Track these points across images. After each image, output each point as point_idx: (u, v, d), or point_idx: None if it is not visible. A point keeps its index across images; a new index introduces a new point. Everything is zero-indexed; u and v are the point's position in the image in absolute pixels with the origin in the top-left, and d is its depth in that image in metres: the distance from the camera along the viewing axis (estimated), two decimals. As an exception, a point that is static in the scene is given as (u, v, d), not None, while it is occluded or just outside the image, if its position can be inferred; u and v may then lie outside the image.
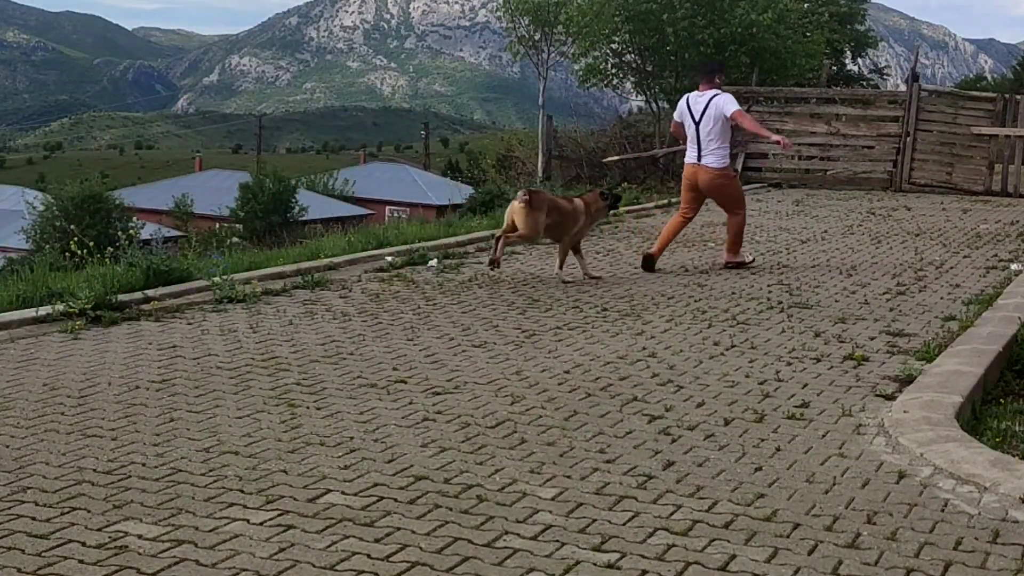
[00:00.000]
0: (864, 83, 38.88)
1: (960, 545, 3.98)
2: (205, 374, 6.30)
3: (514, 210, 9.68)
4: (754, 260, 10.67)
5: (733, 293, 9.07)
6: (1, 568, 3.72)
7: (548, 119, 22.62)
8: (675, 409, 5.65)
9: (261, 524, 4.11)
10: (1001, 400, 5.94)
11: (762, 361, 6.71)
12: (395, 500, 4.35)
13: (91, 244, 9.89)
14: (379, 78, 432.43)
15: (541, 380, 6.21)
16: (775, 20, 21.62)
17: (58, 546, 3.90)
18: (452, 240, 11.95)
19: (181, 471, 4.67)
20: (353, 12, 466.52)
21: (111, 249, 9.09)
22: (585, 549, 3.91)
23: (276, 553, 3.86)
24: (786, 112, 20.52)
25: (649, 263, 10.30)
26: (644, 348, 7.03)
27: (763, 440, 5.15)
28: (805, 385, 6.15)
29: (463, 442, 5.09)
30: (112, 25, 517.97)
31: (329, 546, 3.92)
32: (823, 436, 5.22)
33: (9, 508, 4.25)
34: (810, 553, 3.90)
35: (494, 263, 9.61)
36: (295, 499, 4.36)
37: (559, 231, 9.80)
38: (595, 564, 3.79)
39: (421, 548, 3.90)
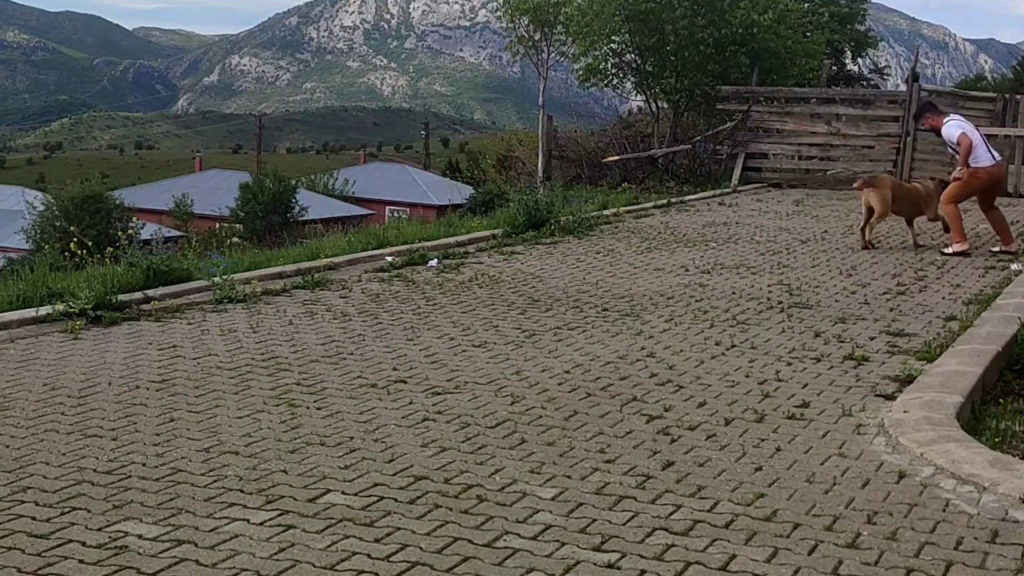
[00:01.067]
0: (864, 83, 38.86)
1: (960, 545, 3.98)
2: (205, 374, 6.31)
3: (865, 196, 11.64)
4: (967, 251, 11.39)
5: (733, 293, 9.07)
6: (1, 568, 3.72)
7: (548, 119, 22.60)
8: (675, 409, 5.65)
9: (261, 524, 4.11)
10: (1001, 400, 5.94)
11: (762, 361, 6.71)
12: (395, 500, 4.35)
13: (91, 244, 9.87)
14: (379, 78, 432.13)
15: (541, 380, 6.21)
16: (775, 20, 21.56)
17: (58, 546, 3.90)
18: (452, 240, 11.96)
19: (181, 471, 4.67)
20: (353, 12, 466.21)
21: (111, 249, 9.08)
22: (585, 549, 3.91)
23: (276, 553, 3.86)
24: (786, 112, 20.51)
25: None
26: (644, 348, 7.04)
27: (763, 440, 5.15)
28: (805, 385, 6.15)
29: (463, 442, 5.09)
30: (112, 25, 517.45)
31: (329, 546, 3.92)
32: (823, 436, 5.22)
33: (9, 508, 4.25)
34: (810, 553, 3.90)
35: (865, 247, 11.51)
36: (295, 499, 4.36)
37: (912, 211, 11.91)
38: (595, 564, 3.79)
39: (421, 548, 3.90)
